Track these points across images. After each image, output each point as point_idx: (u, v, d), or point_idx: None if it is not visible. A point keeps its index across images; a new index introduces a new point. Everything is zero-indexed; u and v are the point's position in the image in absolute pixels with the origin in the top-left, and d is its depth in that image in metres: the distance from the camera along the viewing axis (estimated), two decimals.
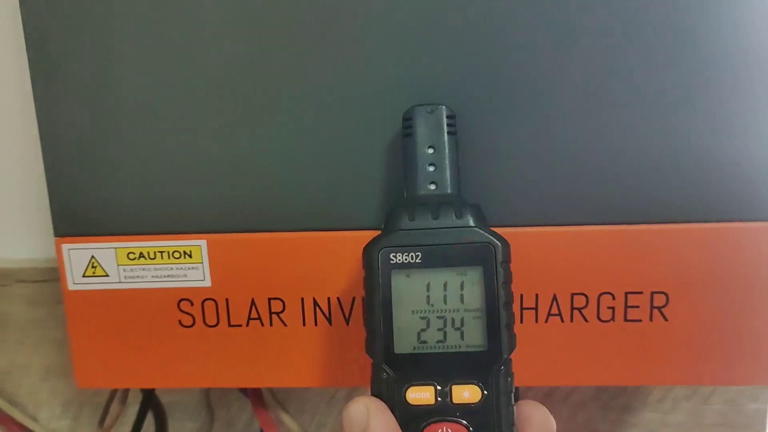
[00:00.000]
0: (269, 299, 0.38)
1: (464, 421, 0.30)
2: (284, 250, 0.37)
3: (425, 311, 0.30)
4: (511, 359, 0.30)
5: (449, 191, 0.33)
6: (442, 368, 0.30)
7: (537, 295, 0.37)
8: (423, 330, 0.30)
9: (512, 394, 0.30)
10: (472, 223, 0.30)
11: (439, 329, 0.30)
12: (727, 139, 0.34)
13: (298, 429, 0.45)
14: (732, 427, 0.51)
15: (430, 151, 0.33)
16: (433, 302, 0.30)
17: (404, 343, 0.30)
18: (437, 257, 0.30)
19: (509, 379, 0.30)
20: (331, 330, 0.38)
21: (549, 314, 0.37)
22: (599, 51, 0.34)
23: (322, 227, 0.37)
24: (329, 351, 0.38)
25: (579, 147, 0.35)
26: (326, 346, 0.38)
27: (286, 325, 0.38)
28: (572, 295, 0.36)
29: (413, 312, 0.30)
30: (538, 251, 0.36)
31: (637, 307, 0.36)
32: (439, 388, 0.30)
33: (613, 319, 0.36)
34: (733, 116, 0.34)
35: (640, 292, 0.36)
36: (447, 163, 0.33)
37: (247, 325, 0.38)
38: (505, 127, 0.35)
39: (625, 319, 0.36)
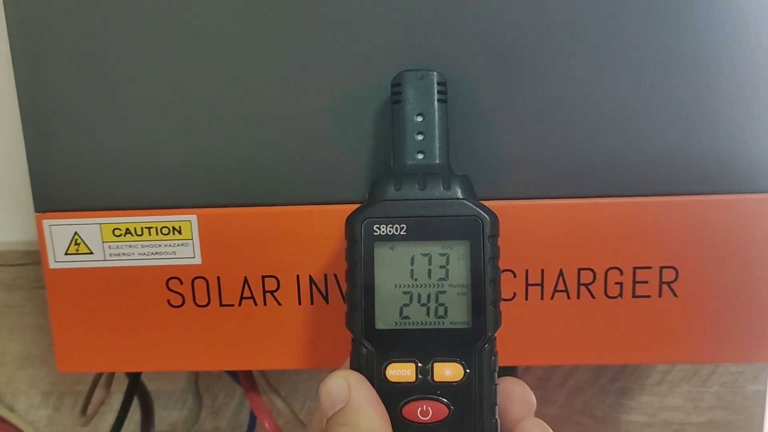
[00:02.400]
0: (263, 277, 0.36)
1: (445, 400, 0.29)
2: (279, 225, 0.36)
3: (408, 286, 0.29)
4: (495, 337, 0.29)
5: (438, 161, 0.31)
6: (423, 345, 0.29)
7: (543, 270, 0.35)
8: (405, 305, 0.29)
9: (495, 374, 0.29)
10: (460, 195, 0.29)
11: (422, 305, 0.29)
12: (737, 110, 0.34)
13: (291, 415, 0.43)
14: (731, 409, 0.51)
15: (419, 118, 0.32)
16: (417, 276, 0.29)
17: (386, 318, 0.29)
18: (423, 230, 0.29)
19: (493, 357, 0.29)
20: (328, 309, 0.37)
21: (555, 290, 0.36)
22: (599, 17, 0.33)
23: (319, 200, 0.35)
24: (326, 331, 0.37)
25: (584, 115, 0.34)
26: (323, 326, 0.37)
27: (280, 304, 0.37)
28: (579, 270, 0.35)
29: (396, 286, 0.29)
30: (543, 225, 0.35)
31: (646, 282, 0.35)
32: (420, 365, 0.29)
33: (620, 295, 0.35)
34: (741, 86, 0.33)
35: (649, 267, 0.35)
36: (436, 131, 0.32)
37: (240, 304, 0.37)
38: (506, 95, 0.34)
39: (634, 295, 0.35)
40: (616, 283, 0.35)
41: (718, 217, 0.34)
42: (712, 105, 0.33)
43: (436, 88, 0.32)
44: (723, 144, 0.34)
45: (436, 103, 0.32)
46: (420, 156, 0.31)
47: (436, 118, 0.32)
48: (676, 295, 0.35)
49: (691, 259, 0.35)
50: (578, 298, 0.36)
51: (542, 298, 0.36)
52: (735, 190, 0.34)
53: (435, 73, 0.32)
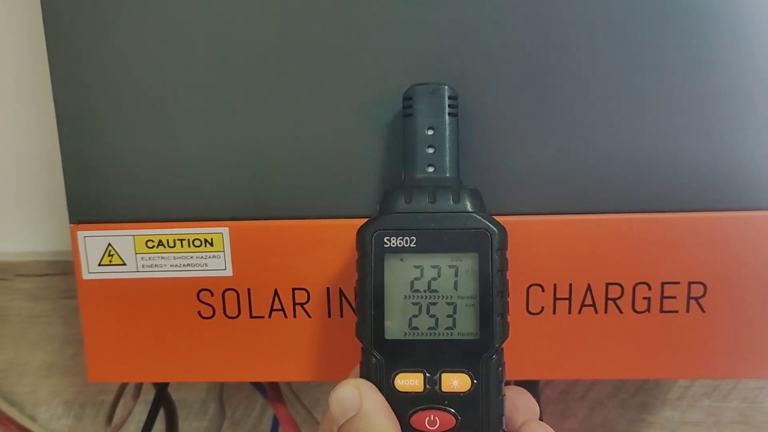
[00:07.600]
0: (293, 289, 0.37)
1: (452, 410, 0.29)
2: (309, 238, 0.36)
3: (417, 297, 0.30)
4: (502, 349, 0.30)
5: (448, 174, 0.32)
6: (432, 355, 0.30)
7: (570, 285, 0.36)
8: (414, 316, 0.30)
9: (502, 384, 0.30)
10: (469, 208, 0.30)
11: (431, 316, 0.30)
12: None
13: (315, 426, 0.43)
14: (751, 425, 0.51)
15: (430, 132, 0.32)
16: (426, 288, 0.30)
17: (395, 328, 0.30)
18: (432, 242, 0.30)
19: (500, 368, 0.30)
20: None
21: (582, 305, 0.36)
22: (615, 32, 0.33)
23: (351, 214, 0.36)
24: (356, 344, 0.37)
25: (609, 129, 0.34)
26: (352, 339, 0.37)
27: (310, 316, 0.37)
28: (607, 285, 0.36)
29: (405, 297, 0.30)
30: (573, 239, 0.35)
31: (674, 297, 0.35)
32: (428, 375, 0.29)
33: (648, 310, 0.36)
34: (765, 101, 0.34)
35: (677, 283, 0.35)
36: (447, 145, 0.32)
37: (270, 316, 0.37)
38: (525, 109, 0.34)
39: (661, 311, 0.36)
40: (644, 298, 0.36)
41: (747, 232, 0.34)
42: (741, 121, 0.34)
43: (447, 102, 0.32)
44: (753, 160, 0.34)
45: (446, 116, 0.32)
46: (430, 169, 0.32)
47: (447, 132, 0.32)
48: (703, 311, 0.35)
49: (719, 274, 0.35)
50: (606, 312, 0.36)
51: (570, 312, 0.36)
52: (765, 207, 0.34)
53: (446, 87, 0.32)
